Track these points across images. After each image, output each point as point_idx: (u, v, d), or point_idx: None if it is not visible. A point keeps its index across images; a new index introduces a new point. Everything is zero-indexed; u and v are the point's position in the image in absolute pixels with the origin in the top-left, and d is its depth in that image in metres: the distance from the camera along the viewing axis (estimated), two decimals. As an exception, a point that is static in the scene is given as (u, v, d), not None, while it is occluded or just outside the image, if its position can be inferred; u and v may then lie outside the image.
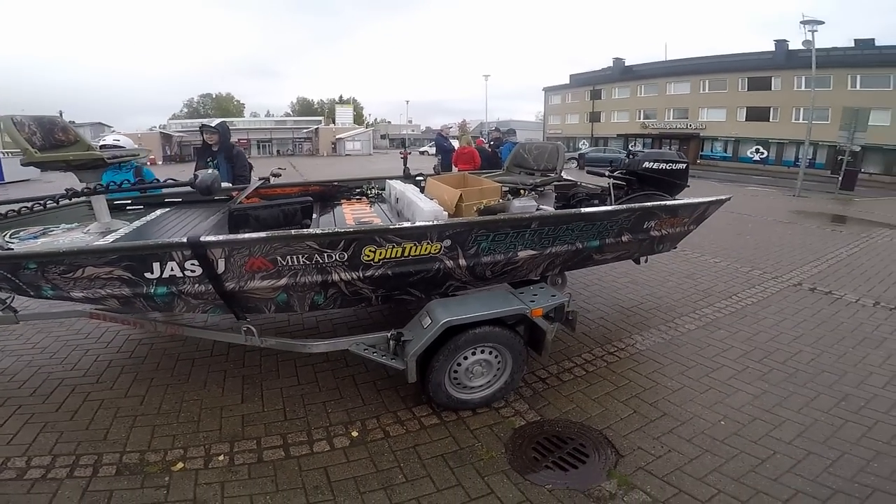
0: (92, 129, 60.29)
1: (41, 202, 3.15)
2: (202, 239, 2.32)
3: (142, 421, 2.77)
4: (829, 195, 15.84)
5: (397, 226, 2.59)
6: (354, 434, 2.67)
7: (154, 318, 3.04)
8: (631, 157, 4.12)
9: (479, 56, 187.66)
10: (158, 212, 3.67)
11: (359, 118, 73.00)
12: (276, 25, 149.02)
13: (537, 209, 3.03)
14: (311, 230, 2.52)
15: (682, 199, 3.56)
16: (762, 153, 33.05)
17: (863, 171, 25.68)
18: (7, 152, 34.66)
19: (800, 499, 2.21)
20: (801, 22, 15.95)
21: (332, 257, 2.49)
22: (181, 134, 44.91)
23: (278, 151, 50.47)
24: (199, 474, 2.35)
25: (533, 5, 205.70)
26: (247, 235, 2.41)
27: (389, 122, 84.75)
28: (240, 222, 2.64)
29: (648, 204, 3.33)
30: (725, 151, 35.54)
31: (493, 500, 2.22)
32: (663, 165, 3.92)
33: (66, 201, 3.09)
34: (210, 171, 3.03)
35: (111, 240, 2.85)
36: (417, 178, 4.39)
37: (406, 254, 2.58)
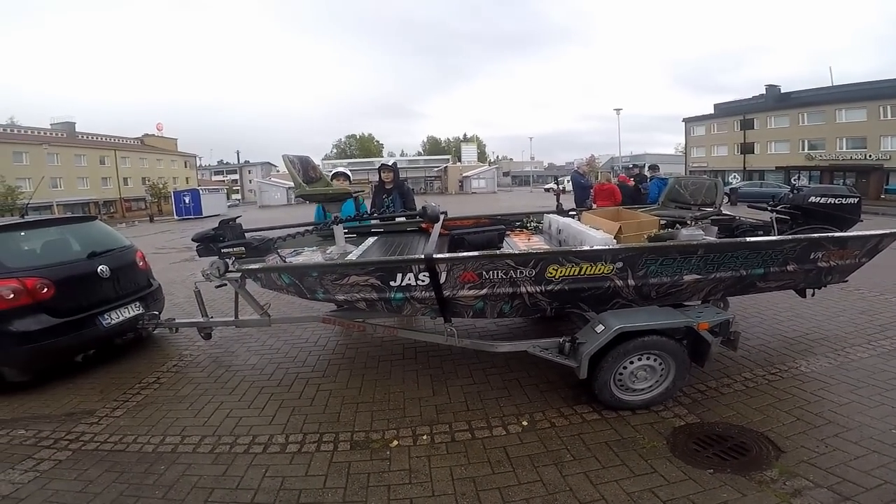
0: (262, 168, 70.73)
1: (313, 227, 4.25)
2: (435, 256, 3.10)
3: (362, 407, 3.47)
4: None
5: (578, 249, 3.17)
6: (524, 423, 3.16)
7: (375, 323, 3.80)
8: (795, 192, 4.19)
9: (603, 88, 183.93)
10: (370, 239, 4.64)
11: (482, 156, 74.24)
12: (405, 66, 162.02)
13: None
14: (511, 251, 3.19)
15: (852, 232, 3.57)
16: (973, 185, 27.06)
17: None
18: (206, 189, 41.54)
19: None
20: None
21: (522, 273, 3.12)
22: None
23: (412, 190, 53.10)
24: (411, 450, 2.93)
25: (657, 38, 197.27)
26: (464, 254, 3.15)
27: (511, 158, 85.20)
28: (458, 244, 3.40)
29: (815, 235, 3.43)
30: (920, 184, 29.77)
31: (657, 477, 2.56)
32: (832, 200, 3.96)
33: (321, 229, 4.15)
34: (433, 203, 3.92)
35: (355, 258, 3.74)
36: (570, 212, 4.93)
37: (582, 273, 3.12)
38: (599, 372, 3.13)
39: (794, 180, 33.86)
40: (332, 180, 4.81)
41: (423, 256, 3.10)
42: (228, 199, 48.68)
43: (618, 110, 37.42)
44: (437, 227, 3.60)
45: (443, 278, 3.14)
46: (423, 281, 3.17)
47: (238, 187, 72.52)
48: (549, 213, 4.86)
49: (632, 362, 3.16)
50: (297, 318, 4.37)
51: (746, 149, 40.93)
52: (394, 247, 4.23)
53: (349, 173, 5.51)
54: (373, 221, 4.97)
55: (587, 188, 9.83)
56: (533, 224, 4.88)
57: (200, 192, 37.37)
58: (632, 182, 9.61)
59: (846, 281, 3.98)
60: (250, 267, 3.53)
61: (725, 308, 3.49)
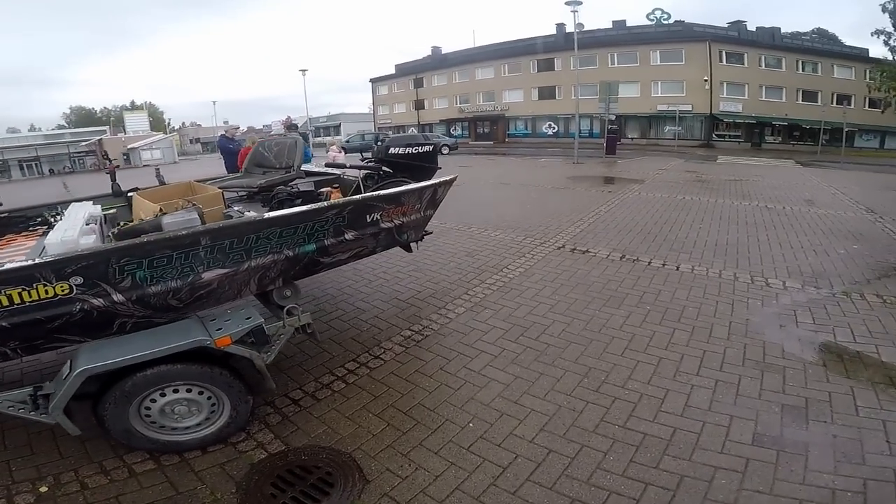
0: None
1: None
2: None
3: None
4: (599, 160, 18.52)
5: None
6: (43, 489, 2.25)
7: None
8: (379, 143, 3.95)
9: (306, 51, 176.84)
10: None
11: (158, 124, 63.98)
12: (43, 27, 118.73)
13: (200, 221, 2.54)
14: None
15: (401, 187, 3.37)
16: (554, 128, 37.33)
17: (628, 136, 32.16)
18: None
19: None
20: (566, 3, 17.45)
21: None
22: None
23: (52, 170, 40.38)
24: None
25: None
26: None
27: (199, 124, 76.18)
28: None
29: (356, 197, 3.04)
30: (526, 129, 39.30)
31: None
32: (409, 150, 3.84)
33: None
34: None
35: None
36: (129, 193, 3.62)
37: (17, 301, 1.96)
38: (107, 423, 2.21)
39: (452, 130, 40.28)
40: None
41: None
42: None
43: (303, 71, 36.11)
44: None
45: None
46: None
47: None
48: (85, 200, 3.42)
49: (154, 400, 2.28)
50: None
51: (419, 105, 46.05)
52: None
53: None
54: None
55: (235, 154, 8.63)
56: (59, 219, 3.33)
57: None
58: None
59: (430, 233, 4.03)
60: None
61: (295, 294, 2.91)
